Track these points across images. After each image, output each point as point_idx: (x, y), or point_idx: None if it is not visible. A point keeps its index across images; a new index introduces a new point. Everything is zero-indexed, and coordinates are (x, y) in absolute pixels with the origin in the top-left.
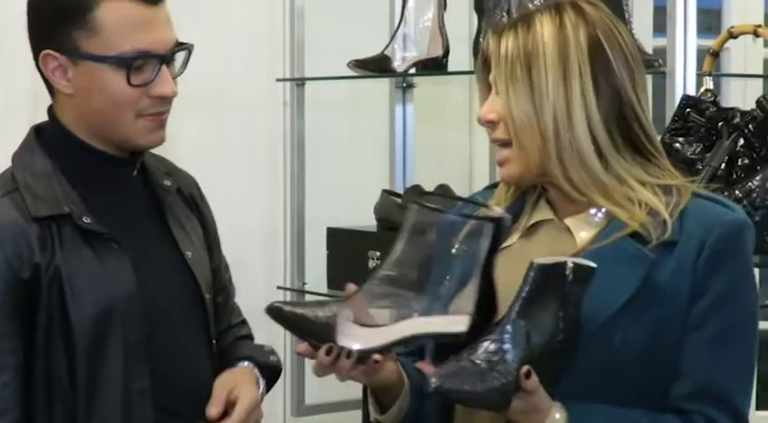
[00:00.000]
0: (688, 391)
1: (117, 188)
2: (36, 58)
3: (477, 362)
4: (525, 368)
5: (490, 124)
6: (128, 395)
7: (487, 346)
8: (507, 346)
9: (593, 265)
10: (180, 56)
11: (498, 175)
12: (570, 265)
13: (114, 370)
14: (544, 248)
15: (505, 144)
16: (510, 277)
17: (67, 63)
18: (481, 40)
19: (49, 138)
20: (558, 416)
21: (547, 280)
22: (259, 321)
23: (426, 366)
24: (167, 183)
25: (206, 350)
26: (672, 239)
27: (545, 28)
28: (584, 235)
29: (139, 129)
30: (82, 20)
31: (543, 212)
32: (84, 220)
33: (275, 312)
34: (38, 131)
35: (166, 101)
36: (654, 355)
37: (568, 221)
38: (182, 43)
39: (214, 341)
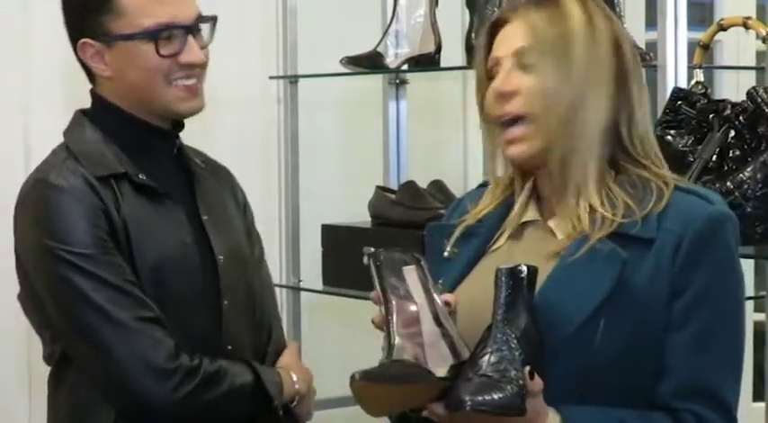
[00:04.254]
0: (675, 390)
1: (159, 155)
2: (75, 48)
3: (489, 374)
4: (528, 368)
5: (504, 98)
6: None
7: (488, 358)
8: (506, 353)
9: (533, 265)
10: (206, 27)
11: (505, 154)
12: (525, 267)
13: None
14: (529, 250)
15: (515, 120)
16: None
17: (102, 48)
18: (473, 35)
19: (95, 114)
20: (553, 418)
21: (515, 283)
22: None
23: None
24: (198, 161)
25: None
26: (649, 237)
27: (574, 11)
28: (561, 234)
29: (175, 97)
30: (107, 6)
31: (531, 213)
32: (140, 176)
33: None
34: (84, 112)
35: (196, 68)
36: (635, 355)
37: (551, 223)
38: (204, 15)
39: (225, 302)
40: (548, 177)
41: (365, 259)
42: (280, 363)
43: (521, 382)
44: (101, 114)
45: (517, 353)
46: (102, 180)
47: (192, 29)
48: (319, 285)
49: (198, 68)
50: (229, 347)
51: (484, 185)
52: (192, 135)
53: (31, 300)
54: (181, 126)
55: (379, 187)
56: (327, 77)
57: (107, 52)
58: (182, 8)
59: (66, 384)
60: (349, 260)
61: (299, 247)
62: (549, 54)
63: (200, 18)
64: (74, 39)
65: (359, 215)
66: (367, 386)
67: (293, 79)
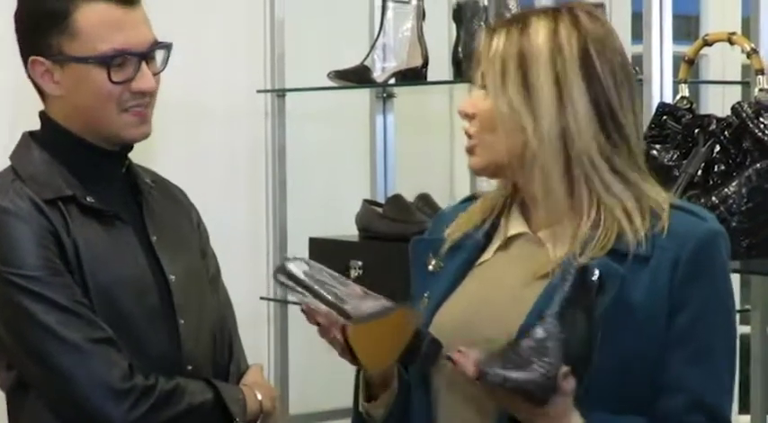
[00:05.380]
0: (684, 405)
1: (108, 176)
2: (25, 64)
3: (521, 352)
4: (565, 369)
5: (468, 117)
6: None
7: (528, 343)
8: (549, 344)
9: (602, 271)
10: (160, 54)
11: (468, 165)
12: (598, 272)
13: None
14: (519, 264)
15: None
16: (486, 290)
17: (53, 67)
18: (459, 49)
19: (43, 136)
20: (577, 419)
21: (581, 283)
22: (244, 330)
23: (462, 356)
24: (148, 181)
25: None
26: (645, 254)
27: (540, 31)
28: (557, 250)
29: (124, 123)
30: (62, 25)
31: (517, 226)
32: (87, 199)
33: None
34: (32, 134)
35: (147, 95)
36: (632, 369)
37: (541, 235)
38: (159, 42)
39: (181, 321)
40: (527, 195)
41: (278, 282)
42: (244, 380)
43: (552, 372)
44: (49, 136)
45: (559, 348)
46: (50, 203)
47: (146, 55)
48: None
49: (149, 96)
50: (189, 367)
51: (470, 199)
52: (180, 149)
53: None
54: (130, 147)
55: (366, 200)
56: (315, 91)
57: (58, 71)
58: (137, 35)
59: (24, 411)
60: (338, 271)
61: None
62: (503, 76)
63: (156, 45)
64: (25, 55)
65: (346, 228)
66: (365, 328)
67: (281, 93)
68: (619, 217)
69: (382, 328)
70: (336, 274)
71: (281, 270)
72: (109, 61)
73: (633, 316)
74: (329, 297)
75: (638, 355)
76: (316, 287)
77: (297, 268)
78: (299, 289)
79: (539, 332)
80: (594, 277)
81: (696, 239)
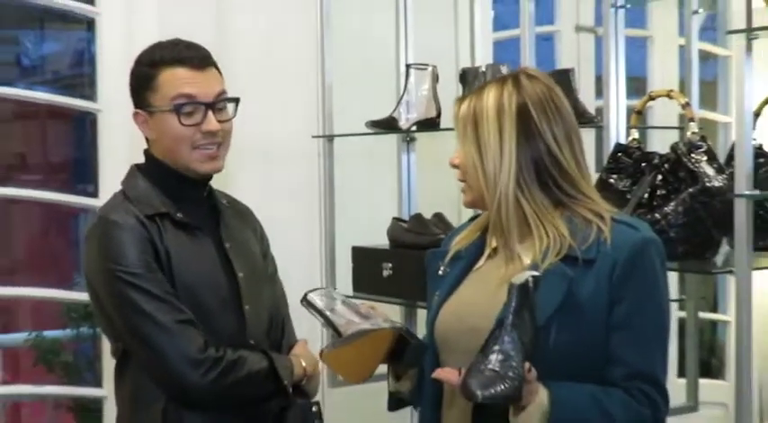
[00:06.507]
0: (624, 375)
1: (193, 198)
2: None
3: (497, 369)
4: (528, 365)
5: (455, 167)
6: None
7: (497, 356)
8: (512, 353)
9: (538, 273)
10: (230, 106)
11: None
12: (531, 278)
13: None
14: (499, 270)
15: (464, 180)
16: (475, 291)
17: (147, 117)
18: None
19: (146, 168)
20: (543, 391)
21: (524, 294)
22: (302, 317)
23: (451, 375)
24: (224, 202)
25: (238, 311)
26: (591, 258)
27: (490, 96)
28: (525, 259)
29: (195, 159)
30: (150, 85)
31: (495, 242)
32: (178, 215)
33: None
34: (138, 167)
35: (214, 135)
36: (581, 352)
37: (518, 247)
38: (226, 95)
39: (247, 308)
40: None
41: (304, 304)
42: (293, 352)
43: (521, 376)
44: (150, 168)
45: (520, 351)
46: (149, 218)
47: (212, 105)
48: (350, 292)
49: (218, 137)
50: (251, 342)
51: (473, 219)
52: (255, 182)
53: (98, 310)
54: (210, 177)
55: (395, 218)
56: (355, 136)
57: (150, 120)
58: (204, 88)
59: (127, 374)
60: (373, 273)
61: (335, 264)
62: (464, 135)
63: (222, 96)
64: (134, 108)
65: (380, 239)
66: (335, 352)
67: (330, 138)
68: (564, 233)
69: (354, 349)
70: (351, 301)
71: (304, 298)
72: (179, 108)
73: (582, 308)
74: (332, 320)
75: (587, 338)
76: (326, 313)
77: (316, 298)
78: (315, 313)
79: (504, 346)
80: (530, 284)
81: (630, 246)
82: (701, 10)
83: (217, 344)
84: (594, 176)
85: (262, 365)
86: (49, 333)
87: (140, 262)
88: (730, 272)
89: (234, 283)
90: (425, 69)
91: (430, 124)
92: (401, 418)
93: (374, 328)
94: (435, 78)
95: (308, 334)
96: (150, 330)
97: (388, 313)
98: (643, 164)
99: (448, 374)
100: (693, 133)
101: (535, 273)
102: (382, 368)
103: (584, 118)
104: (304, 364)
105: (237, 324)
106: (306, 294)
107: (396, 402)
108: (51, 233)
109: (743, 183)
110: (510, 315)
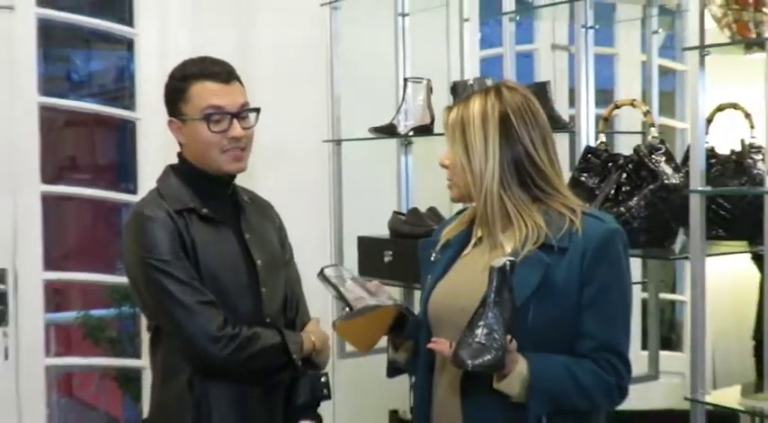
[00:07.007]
0: (592, 347)
1: (218, 195)
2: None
3: (483, 342)
4: (509, 337)
5: (444, 166)
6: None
7: (482, 330)
8: (495, 327)
9: (515, 259)
10: (252, 115)
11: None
12: (508, 262)
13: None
14: (484, 256)
15: (451, 179)
16: (463, 275)
17: (180, 124)
18: None
19: (178, 168)
20: (522, 361)
21: (503, 276)
22: (314, 296)
23: (443, 346)
24: (246, 198)
25: (256, 293)
26: (565, 246)
27: (475, 105)
28: (507, 247)
29: (223, 161)
30: (182, 96)
31: (480, 232)
32: (203, 210)
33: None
34: (172, 167)
35: (239, 141)
36: (556, 328)
37: (501, 237)
38: (248, 106)
39: (264, 290)
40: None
41: (320, 278)
42: (305, 329)
43: (503, 347)
44: (181, 168)
45: (502, 325)
46: (178, 212)
47: (237, 114)
48: (357, 275)
49: (242, 141)
50: (267, 320)
51: (460, 212)
52: (272, 177)
53: (135, 292)
54: (233, 176)
55: (394, 212)
56: (360, 141)
57: (183, 127)
58: (230, 100)
59: (159, 347)
60: (375, 259)
61: (343, 252)
62: (453, 139)
63: (245, 106)
64: (168, 116)
65: (382, 230)
66: (346, 324)
67: (338, 142)
68: (541, 224)
69: (363, 321)
70: (358, 278)
71: (320, 273)
72: (209, 118)
73: (556, 289)
74: (344, 294)
75: (560, 316)
76: (339, 287)
77: (330, 272)
78: (329, 286)
79: (488, 321)
80: (507, 267)
81: (599, 236)
82: (660, 30)
83: (235, 322)
84: (567, 175)
85: (274, 341)
86: (95, 312)
87: (169, 251)
88: (686, 258)
89: (253, 268)
90: (421, 82)
91: (425, 130)
92: (399, 383)
93: (381, 305)
94: (429, 90)
95: (320, 313)
96: (176, 310)
97: (390, 293)
98: (610, 164)
99: (441, 346)
100: (654, 137)
101: (511, 258)
102: (382, 342)
103: (559, 124)
104: (314, 339)
105: (255, 304)
106: (322, 269)
107: (394, 370)
108: (98, 225)
109: (697, 180)
110: (492, 294)
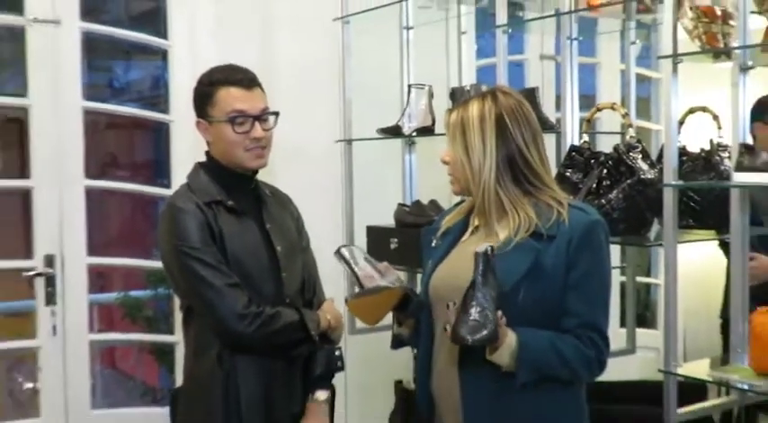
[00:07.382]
0: (576, 324)
1: (242, 189)
2: (197, 123)
3: (477, 319)
4: (499, 313)
5: (445, 163)
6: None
7: (475, 309)
8: (486, 305)
9: (493, 245)
10: (271, 117)
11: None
12: (489, 248)
13: (254, 281)
14: (481, 242)
15: (452, 174)
16: (461, 259)
17: (207, 125)
18: None
19: (206, 165)
20: (512, 334)
21: (486, 259)
22: (329, 279)
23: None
24: (267, 192)
25: (277, 276)
26: (553, 234)
27: (474, 108)
28: (501, 235)
29: (247, 158)
30: (210, 101)
31: (477, 221)
32: (229, 202)
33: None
34: (200, 164)
35: (260, 141)
36: (543, 306)
37: (496, 226)
38: (269, 109)
39: (284, 274)
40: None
41: (337, 255)
42: (321, 308)
43: (495, 322)
44: (209, 165)
45: (492, 303)
46: (207, 204)
47: (258, 117)
48: None
49: (263, 141)
50: (287, 300)
51: (459, 203)
52: (290, 173)
53: (169, 275)
54: (255, 172)
55: (399, 204)
56: (369, 140)
57: (209, 128)
58: (252, 104)
59: (191, 324)
60: (383, 246)
61: (354, 240)
62: (453, 138)
63: (265, 110)
64: (197, 117)
65: (388, 220)
66: (356, 301)
67: (349, 142)
68: (531, 215)
69: (372, 300)
70: (370, 258)
71: (337, 251)
72: (233, 120)
73: (545, 273)
74: (356, 272)
75: (548, 297)
76: (352, 265)
77: (346, 251)
78: (344, 263)
79: (479, 300)
80: (489, 252)
81: (583, 225)
82: (637, 41)
83: (258, 302)
84: (554, 171)
85: (294, 318)
86: (133, 293)
87: (199, 239)
88: (660, 245)
89: (273, 255)
90: (423, 88)
91: (427, 131)
92: (403, 357)
93: (389, 287)
94: (431, 95)
95: (334, 293)
96: (206, 291)
97: (398, 274)
98: (592, 161)
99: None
100: (631, 137)
101: (491, 244)
102: (388, 318)
103: (547, 126)
104: (329, 317)
105: (276, 287)
106: (339, 248)
107: (397, 343)
108: (136, 216)
109: (670, 175)
110: (479, 276)
